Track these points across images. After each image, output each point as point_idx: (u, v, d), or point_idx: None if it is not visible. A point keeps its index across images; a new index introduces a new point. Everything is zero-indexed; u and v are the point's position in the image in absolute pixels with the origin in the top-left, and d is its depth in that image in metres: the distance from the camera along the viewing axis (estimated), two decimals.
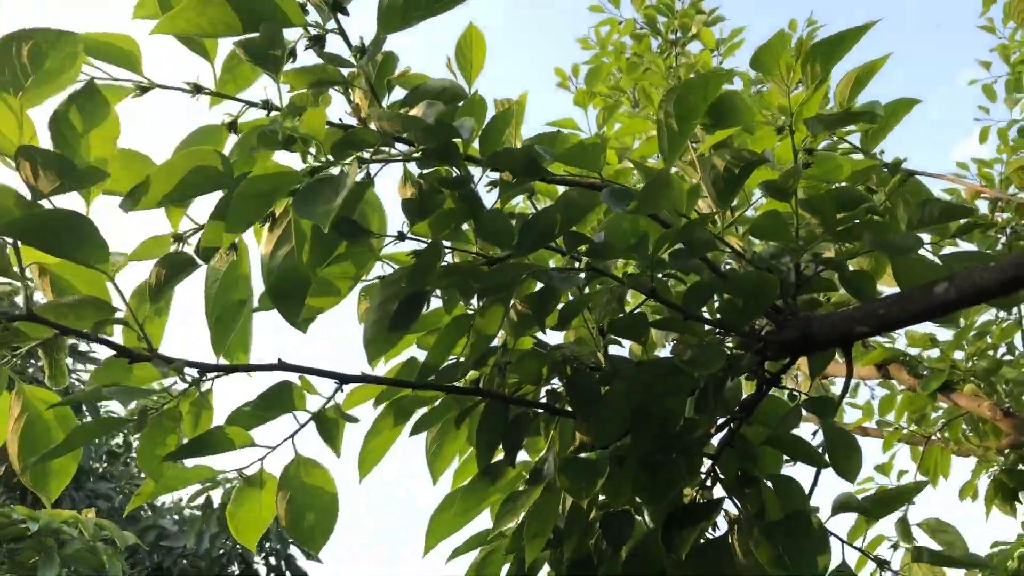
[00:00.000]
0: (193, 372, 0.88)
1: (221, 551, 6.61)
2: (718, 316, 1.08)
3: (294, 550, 7.14)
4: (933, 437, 2.42)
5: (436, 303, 1.17)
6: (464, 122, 0.89)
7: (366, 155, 0.94)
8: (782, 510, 1.03)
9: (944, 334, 2.28)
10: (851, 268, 1.06)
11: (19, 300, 0.93)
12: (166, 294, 0.88)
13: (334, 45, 1.04)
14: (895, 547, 1.38)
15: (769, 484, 1.07)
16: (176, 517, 6.78)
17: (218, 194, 1.13)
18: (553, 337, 1.30)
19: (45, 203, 0.87)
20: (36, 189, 0.83)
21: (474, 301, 1.14)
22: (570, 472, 1.02)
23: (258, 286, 1.11)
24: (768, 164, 0.98)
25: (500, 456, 1.18)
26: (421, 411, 1.15)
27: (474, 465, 1.29)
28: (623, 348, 1.31)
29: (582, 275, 1.00)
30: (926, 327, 2.33)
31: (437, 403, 1.15)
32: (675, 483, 1.06)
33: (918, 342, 2.27)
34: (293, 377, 0.96)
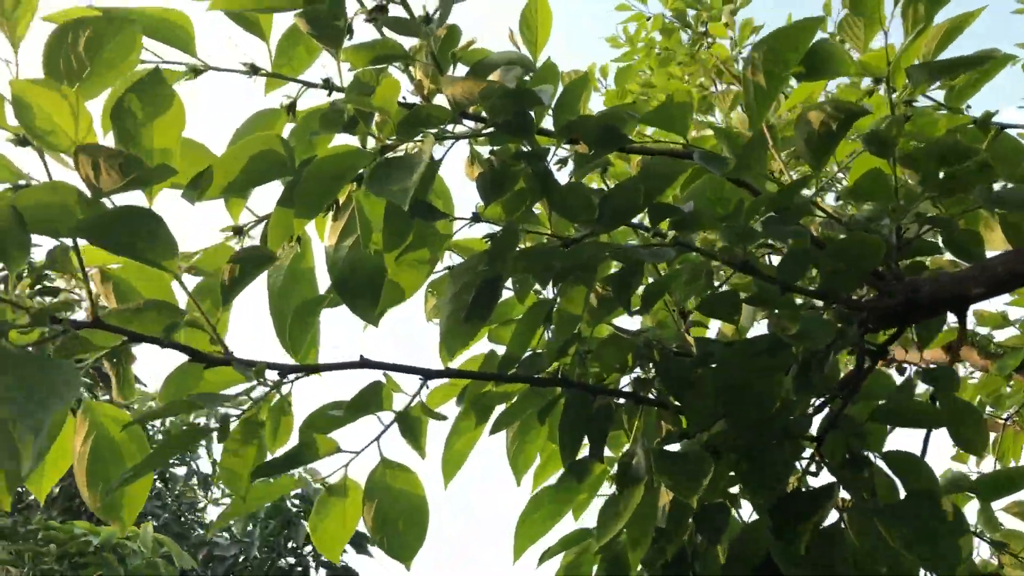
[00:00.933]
0: (273, 375, 0.82)
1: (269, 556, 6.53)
2: (815, 287, 1.00)
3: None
4: (1008, 420, 2.31)
5: (506, 293, 1.10)
6: (543, 88, 0.82)
7: (433, 132, 0.88)
8: (901, 490, 0.95)
9: (1015, 312, 2.18)
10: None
11: (82, 309, 0.87)
12: (239, 292, 0.82)
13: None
14: (979, 535, 1.29)
15: (881, 465, 0.99)
16: (226, 534, 6.72)
17: (276, 186, 1.07)
18: (625, 324, 1.23)
19: (106, 201, 0.81)
20: (97, 187, 0.77)
21: (550, 287, 1.08)
22: (671, 470, 0.94)
23: (322, 280, 1.05)
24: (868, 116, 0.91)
25: (584, 452, 1.11)
26: (500, 408, 1.08)
27: (554, 464, 1.22)
28: (706, 332, 1.23)
29: (671, 250, 0.93)
30: (997, 304, 2.23)
31: (515, 399, 1.08)
32: (782, 472, 0.98)
33: (988, 321, 2.17)
34: (374, 375, 0.89)
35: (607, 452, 1.17)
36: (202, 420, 0.84)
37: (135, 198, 0.84)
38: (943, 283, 0.93)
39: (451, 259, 1.11)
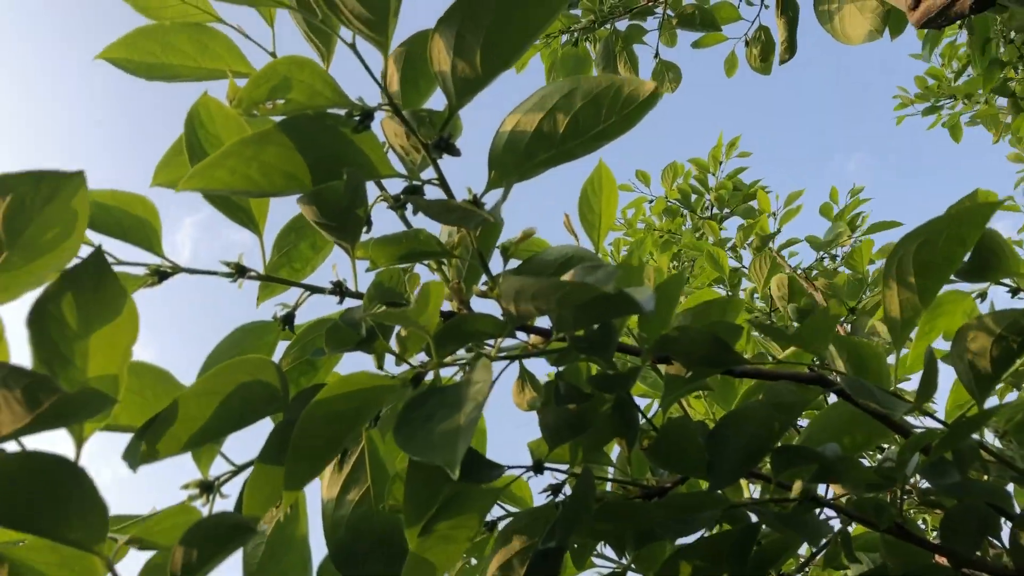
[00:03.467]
0: None
1: None
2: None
3: None
4: None
5: None
6: (639, 291, 0.59)
7: (488, 351, 0.64)
8: None
9: None
10: None
11: None
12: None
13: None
14: None
15: None
16: None
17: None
18: None
19: (8, 447, 0.55)
20: None
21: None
22: None
23: (316, 548, 0.78)
24: None
25: None
26: None
27: None
28: None
29: (811, 518, 0.67)
30: None
31: None
32: None
33: None
34: None
35: None
36: None
37: (62, 445, 0.58)
38: None
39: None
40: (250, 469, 0.73)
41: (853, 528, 0.86)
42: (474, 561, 0.93)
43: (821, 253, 2.16)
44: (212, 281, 0.72)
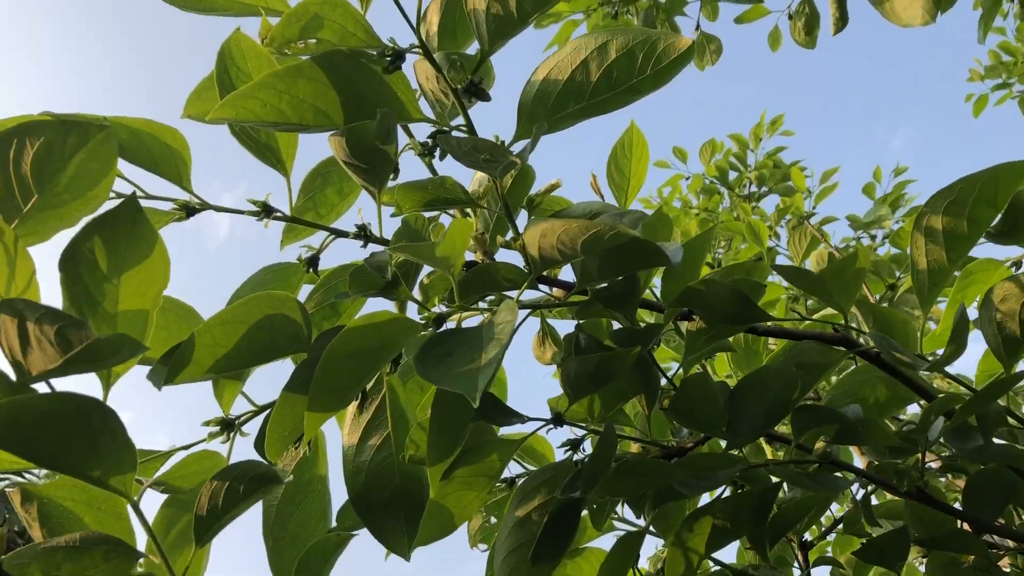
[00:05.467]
0: None
1: None
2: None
3: None
4: None
5: None
6: (667, 244, 0.62)
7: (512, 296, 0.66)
8: None
9: None
10: None
11: None
12: (222, 527, 0.58)
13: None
14: None
15: None
16: None
17: (283, 365, 0.85)
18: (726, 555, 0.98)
19: (40, 388, 0.58)
20: (23, 368, 0.54)
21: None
22: None
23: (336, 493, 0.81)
24: None
25: None
26: None
27: None
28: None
29: (834, 478, 0.69)
30: None
31: None
32: None
33: None
34: None
35: None
36: None
37: (91, 387, 0.62)
38: None
39: (508, 468, 0.87)
40: (267, 412, 0.77)
41: (875, 493, 0.88)
42: (493, 520, 0.96)
43: (860, 233, 2.16)
44: (241, 267, 0.75)
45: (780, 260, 2.00)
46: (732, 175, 3.06)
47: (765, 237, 1.69)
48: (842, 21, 1.98)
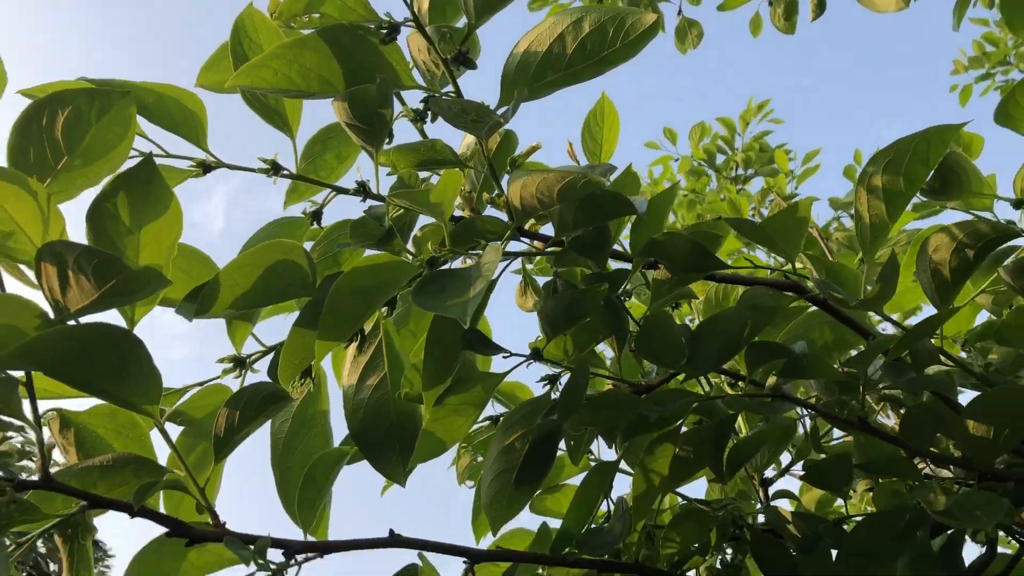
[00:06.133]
0: (277, 554, 0.65)
1: None
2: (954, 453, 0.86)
3: None
4: None
5: None
6: (635, 197, 0.71)
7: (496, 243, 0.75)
8: None
9: None
10: None
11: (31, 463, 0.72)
12: (236, 444, 0.67)
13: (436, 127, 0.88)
14: None
15: None
16: None
17: (280, 320, 0.95)
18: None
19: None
20: (61, 305, 0.63)
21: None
22: None
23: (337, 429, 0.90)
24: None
25: None
26: None
27: None
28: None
29: (783, 404, 0.79)
30: None
31: None
32: None
33: None
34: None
35: None
36: None
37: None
38: None
39: (492, 408, 0.97)
40: (274, 352, 0.86)
41: (829, 433, 0.98)
42: (480, 459, 1.06)
43: (839, 212, 2.26)
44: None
45: None
46: (720, 158, 3.16)
47: (745, 211, 1.79)
48: (820, 8, 2.08)
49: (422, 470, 0.82)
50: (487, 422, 0.98)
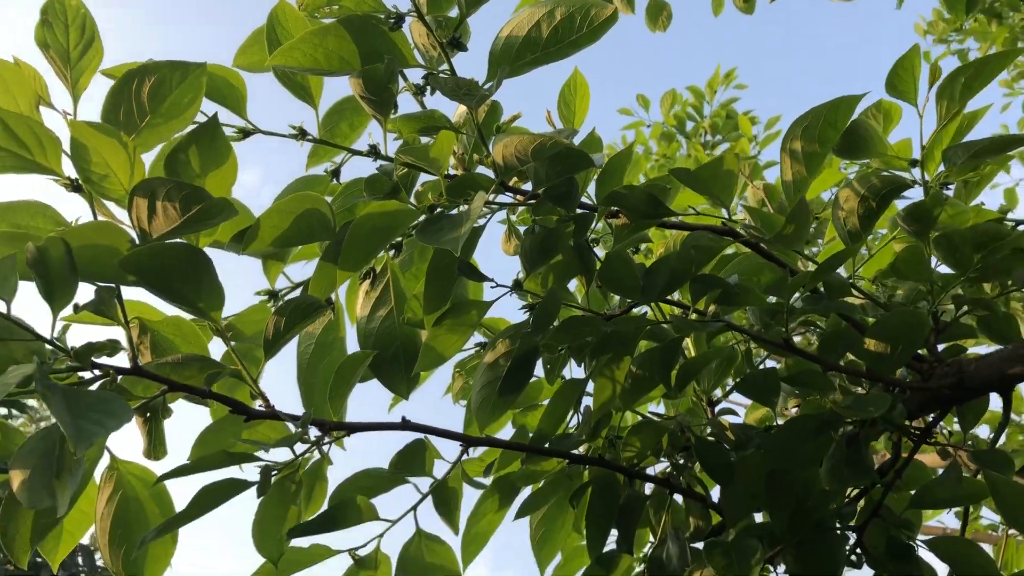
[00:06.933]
0: (314, 432, 0.84)
1: None
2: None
3: None
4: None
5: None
6: (596, 155, 0.89)
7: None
8: None
9: None
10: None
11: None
12: (282, 346, 0.85)
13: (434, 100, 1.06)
14: None
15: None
16: None
17: (301, 267, 1.12)
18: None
19: None
20: (146, 233, 0.80)
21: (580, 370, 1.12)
22: (720, 553, 0.96)
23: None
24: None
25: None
26: (526, 492, 1.11)
27: (577, 561, 1.23)
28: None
29: (717, 323, 0.98)
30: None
31: (543, 483, 1.10)
32: (833, 564, 1.01)
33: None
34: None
35: None
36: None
37: None
38: (990, 363, 0.98)
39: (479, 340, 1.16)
40: (300, 288, 1.04)
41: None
42: (471, 382, 1.25)
43: None
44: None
45: None
46: (689, 125, 3.35)
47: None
48: None
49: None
50: (477, 347, 1.17)
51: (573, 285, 1.16)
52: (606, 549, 1.12)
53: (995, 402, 1.08)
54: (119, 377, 0.77)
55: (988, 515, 2.20)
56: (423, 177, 1.04)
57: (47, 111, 0.84)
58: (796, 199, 1.03)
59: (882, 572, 1.05)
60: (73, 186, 0.82)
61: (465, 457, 0.99)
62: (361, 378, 1.08)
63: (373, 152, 0.98)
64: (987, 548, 2.39)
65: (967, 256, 1.03)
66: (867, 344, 0.98)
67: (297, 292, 1.03)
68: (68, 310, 0.74)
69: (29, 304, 0.81)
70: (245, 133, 0.96)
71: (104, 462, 0.85)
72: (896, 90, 0.96)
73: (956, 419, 1.05)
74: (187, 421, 0.96)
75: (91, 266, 0.78)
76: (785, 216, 1.01)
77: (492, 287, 0.97)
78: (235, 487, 0.78)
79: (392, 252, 1.03)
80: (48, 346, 0.75)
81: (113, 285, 0.79)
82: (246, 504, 0.87)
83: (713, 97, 3.28)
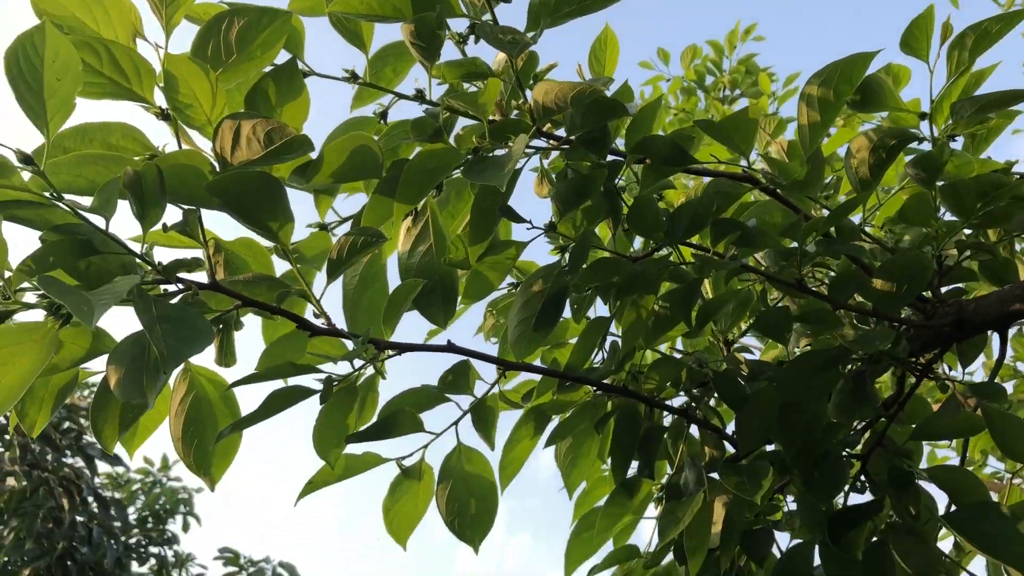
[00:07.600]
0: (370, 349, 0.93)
1: None
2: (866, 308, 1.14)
3: None
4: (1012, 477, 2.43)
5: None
6: (629, 104, 0.98)
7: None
8: (953, 504, 1.08)
9: None
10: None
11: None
12: (346, 269, 0.94)
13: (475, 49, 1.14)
14: None
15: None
16: None
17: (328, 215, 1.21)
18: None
19: None
20: (227, 161, 0.89)
21: (606, 309, 1.21)
22: (734, 475, 1.06)
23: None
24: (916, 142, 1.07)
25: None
26: (554, 423, 1.20)
27: (601, 489, 1.33)
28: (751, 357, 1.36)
29: (735, 263, 1.07)
30: None
31: (570, 413, 1.20)
32: (835, 489, 1.10)
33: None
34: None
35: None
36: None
37: None
38: (989, 302, 1.07)
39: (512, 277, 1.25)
40: (348, 221, 1.13)
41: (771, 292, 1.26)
42: (503, 320, 1.34)
43: None
44: None
45: None
46: (709, 79, 3.41)
47: None
48: None
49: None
50: (511, 286, 1.26)
51: (597, 230, 1.25)
52: (628, 475, 1.22)
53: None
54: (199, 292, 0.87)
55: (993, 463, 2.31)
56: (461, 122, 1.13)
57: (140, 44, 0.93)
58: (811, 142, 1.11)
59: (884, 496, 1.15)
60: (162, 114, 0.91)
61: (503, 387, 1.08)
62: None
63: (419, 96, 1.06)
64: (992, 496, 2.49)
65: (970, 204, 1.11)
66: (874, 284, 1.07)
67: (346, 226, 1.13)
68: (156, 228, 0.84)
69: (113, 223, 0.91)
70: (303, 75, 1.04)
71: (180, 366, 0.95)
72: (910, 48, 1.04)
73: (958, 359, 1.14)
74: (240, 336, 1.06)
75: (179, 189, 0.87)
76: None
77: (528, 228, 1.06)
78: (301, 393, 0.88)
79: (433, 192, 1.11)
80: (137, 260, 0.85)
81: (195, 208, 0.88)
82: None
83: (732, 52, 3.34)
